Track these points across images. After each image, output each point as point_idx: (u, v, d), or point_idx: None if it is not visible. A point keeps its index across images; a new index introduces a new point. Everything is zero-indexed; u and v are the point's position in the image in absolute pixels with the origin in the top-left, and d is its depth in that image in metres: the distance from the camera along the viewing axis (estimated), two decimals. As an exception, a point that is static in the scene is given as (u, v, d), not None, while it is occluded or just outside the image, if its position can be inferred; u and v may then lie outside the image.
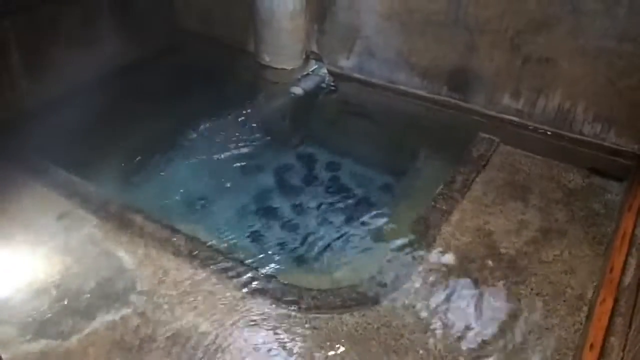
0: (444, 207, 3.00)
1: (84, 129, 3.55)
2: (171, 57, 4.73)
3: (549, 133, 3.55)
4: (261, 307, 2.41)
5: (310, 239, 3.10)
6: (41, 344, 2.24)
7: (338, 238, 3.08)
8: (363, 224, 3.18)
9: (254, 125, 4.07)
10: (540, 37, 3.34)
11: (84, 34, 4.04)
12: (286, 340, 2.27)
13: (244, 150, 3.84)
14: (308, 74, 4.38)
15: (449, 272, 2.63)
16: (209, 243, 2.74)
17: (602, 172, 3.31)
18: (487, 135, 3.60)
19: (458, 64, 3.68)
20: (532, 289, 2.55)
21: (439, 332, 2.33)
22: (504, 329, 2.36)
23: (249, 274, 2.56)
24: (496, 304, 2.47)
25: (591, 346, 2.19)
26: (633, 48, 3.10)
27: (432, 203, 3.03)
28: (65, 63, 3.87)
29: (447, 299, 2.49)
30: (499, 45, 3.48)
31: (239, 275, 2.55)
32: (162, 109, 3.97)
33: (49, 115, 3.64)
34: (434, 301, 2.47)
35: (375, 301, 2.45)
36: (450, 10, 3.54)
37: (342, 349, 2.24)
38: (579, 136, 3.47)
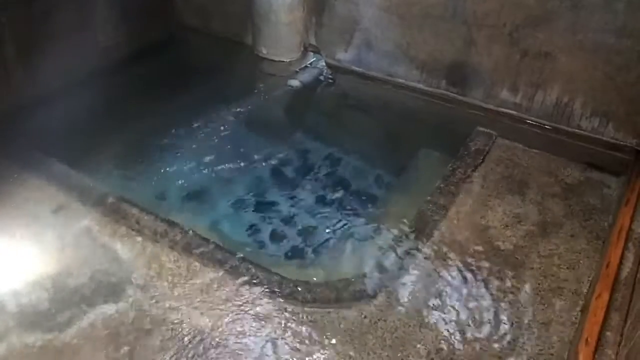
0: (441, 201, 3.00)
1: (80, 122, 3.53)
2: (169, 50, 4.71)
3: (547, 127, 3.55)
4: (257, 300, 2.41)
5: (307, 232, 3.10)
6: (37, 337, 2.23)
7: (335, 231, 3.08)
8: (360, 217, 3.18)
9: (251, 117, 4.05)
10: (538, 32, 3.33)
11: (80, 27, 4.01)
12: (283, 333, 2.27)
13: (241, 142, 3.82)
14: (306, 67, 4.37)
15: (446, 266, 2.63)
16: (205, 236, 2.73)
17: (599, 167, 3.31)
18: (485, 129, 3.60)
19: (456, 57, 3.67)
20: (528, 283, 2.55)
21: (435, 326, 2.34)
22: (500, 323, 2.36)
23: (246, 267, 2.55)
24: (493, 298, 2.47)
25: (586, 341, 2.20)
26: (631, 43, 3.10)
27: (430, 197, 3.03)
28: (61, 56, 3.84)
29: (444, 293, 2.49)
30: (497, 39, 3.47)
31: (235, 268, 2.55)
32: (160, 102, 3.95)
33: (45, 109, 3.62)
34: (431, 295, 2.47)
35: (372, 295, 2.45)
36: (449, 3, 3.52)
37: (338, 343, 2.24)
38: (576, 130, 3.48)
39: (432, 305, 2.43)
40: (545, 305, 2.45)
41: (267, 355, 2.18)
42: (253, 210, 3.29)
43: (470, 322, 2.36)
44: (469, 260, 2.66)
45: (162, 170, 3.51)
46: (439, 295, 2.48)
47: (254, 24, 4.25)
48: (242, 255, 2.63)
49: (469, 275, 2.58)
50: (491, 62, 3.57)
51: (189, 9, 4.79)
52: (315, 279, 2.56)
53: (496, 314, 2.40)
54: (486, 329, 2.33)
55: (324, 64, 4.31)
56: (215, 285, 2.46)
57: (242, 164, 3.65)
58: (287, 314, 2.35)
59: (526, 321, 2.37)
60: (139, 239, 2.69)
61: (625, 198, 2.98)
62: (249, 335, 2.25)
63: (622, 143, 3.35)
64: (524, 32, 3.38)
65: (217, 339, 2.23)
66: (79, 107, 3.65)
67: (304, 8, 4.13)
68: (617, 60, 3.18)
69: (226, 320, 2.31)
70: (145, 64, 4.44)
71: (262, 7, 4.09)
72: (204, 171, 3.53)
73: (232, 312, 2.34)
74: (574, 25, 3.22)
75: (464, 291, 2.50)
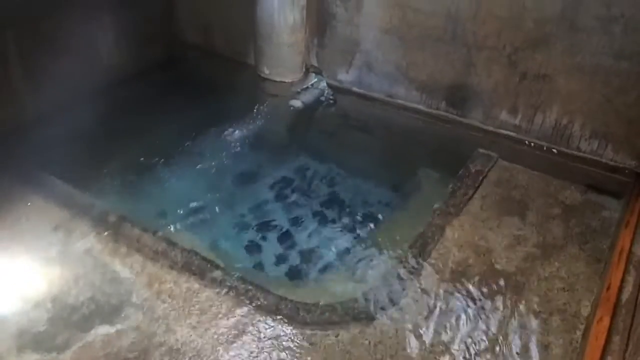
0: (441, 222, 3.00)
1: (83, 141, 3.56)
2: (172, 69, 4.76)
3: (546, 149, 3.56)
4: (257, 321, 2.40)
5: (306, 253, 3.10)
6: (36, 357, 2.22)
7: (334, 252, 3.08)
8: (359, 238, 3.18)
9: (253, 137, 4.08)
10: (537, 54, 3.36)
11: (84, 45, 4.06)
12: (282, 355, 2.25)
13: (242, 162, 3.84)
14: (307, 87, 4.40)
15: (445, 287, 2.62)
16: (206, 256, 2.73)
17: (599, 189, 3.32)
18: (485, 151, 3.61)
19: (456, 79, 3.71)
20: (528, 306, 2.54)
21: (435, 349, 2.32)
22: (501, 346, 2.35)
23: (245, 288, 2.55)
24: (493, 321, 2.46)
25: (588, 365, 2.19)
26: (629, 66, 3.12)
27: (430, 218, 3.03)
28: (65, 75, 3.88)
29: (444, 315, 2.48)
30: (497, 61, 3.51)
31: (234, 288, 2.54)
32: (162, 121, 3.98)
33: (48, 126, 3.64)
34: (431, 317, 2.46)
35: (371, 317, 2.45)
36: (449, 26, 3.57)
37: (337, 365, 2.23)
38: (576, 152, 3.49)
39: (431, 327, 2.42)
40: (546, 329, 2.44)
41: (265, 377, 2.17)
42: (253, 230, 3.30)
43: (469, 344, 2.35)
44: (469, 281, 2.66)
45: (163, 189, 3.52)
46: (439, 317, 2.47)
47: (256, 44, 4.29)
48: (241, 275, 2.63)
49: (468, 297, 2.57)
50: (490, 84, 3.60)
51: (192, 28, 4.85)
52: (314, 300, 2.54)
53: (496, 337, 2.39)
54: (486, 353, 2.32)
55: (325, 84, 4.35)
56: (215, 306, 2.46)
57: (243, 183, 3.66)
58: (286, 336, 2.34)
59: (527, 345, 2.36)
60: (139, 258, 2.70)
61: (625, 220, 2.98)
62: (249, 358, 2.24)
63: (621, 165, 3.36)
64: (523, 55, 3.41)
65: (215, 361, 2.22)
66: (82, 125, 3.67)
67: (306, 30, 4.18)
68: (616, 82, 3.21)
69: (225, 341, 2.30)
70: (148, 83, 4.49)
71: (265, 28, 4.14)
72: (204, 190, 3.55)
73: (231, 333, 2.34)
74: (572, 48, 3.25)
75: (464, 313, 2.49)
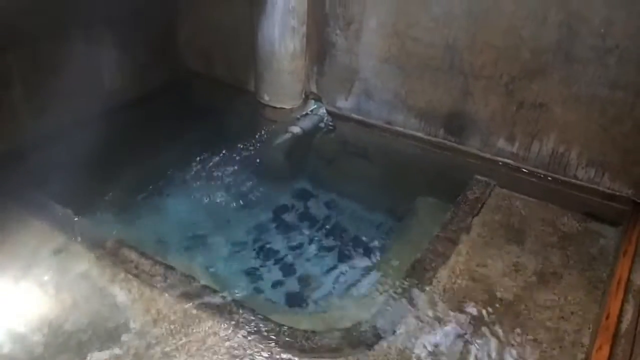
0: (440, 250, 3.01)
1: (83, 165, 3.57)
2: (173, 95, 4.80)
3: (544, 177, 3.59)
4: (255, 348, 2.38)
5: (305, 279, 3.10)
6: (30, 384, 2.20)
7: (333, 279, 3.08)
8: (357, 264, 3.18)
9: (252, 163, 4.10)
10: (534, 84, 3.41)
11: (87, 71, 4.10)
12: (279, 383, 2.24)
13: (242, 188, 3.86)
14: (307, 114, 4.44)
15: (444, 316, 2.61)
16: (204, 282, 2.72)
17: (597, 217, 3.33)
18: (483, 178, 3.64)
19: (454, 107, 3.75)
20: (528, 335, 2.53)
21: (434, 377, 2.31)
22: (500, 375, 2.34)
23: (244, 314, 2.53)
24: (492, 350, 2.45)
25: (588, 395, 2.17)
26: (624, 96, 3.17)
27: (428, 245, 3.03)
28: (66, 99, 3.91)
29: (443, 343, 2.46)
30: (494, 90, 3.56)
31: (233, 315, 2.53)
32: (163, 146, 4.01)
33: (47, 151, 3.66)
34: (429, 346, 2.44)
35: (370, 345, 2.43)
36: (446, 55, 3.63)
37: (336, 393, 2.21)
38: (573, 180, 3.51)
39: (430, 356, 2.40)
40: (546, 358, 2.42)
41: (263, 406, 2.15)
42: (252, 256, 3.29)
43: (469, 374, 2.33)
44: (468, 309, 2.65)
45: (161, 215, 3.53)
46: (437, 345, 2.45)
47: (257, 71, 4.36)
48: (239, 302, 2.62)
49: (467, 326, 2.56)
50: (488, 112, 3.64)
51: (194, 55, 4.92)
52: (313, 327, 2.53)
53: (496, 366, 2.37)
54: (486, 382, 2.30)
55: (324, 111, 4.39)
56: (212, 333, 2.44)
57: (241, 209, 3.67)
58: (284, 363, 2.32)
59: (526, 374, 2.35)
60: (137, 283, 2.68)
61: (624, 248, 2.99)
62: (245, 385, 2.22)
63: (618, 193, 3.38)
64: (520, 84, 3.46)
65: (212, 389, 2.20)
66: (82, 149, 3.69)
67: (306, 57, 4.25)
68: (611, 112, 3.25)
69: (222, 368, 2.28)
70: (149, 108, 4.52)
71: (266, 56, 4.20)
72: (203, 216, 3.55)
73: (228, 360, 2.32)
74: (569, 78, 3.30)
75: (462, 342, 2.48)
